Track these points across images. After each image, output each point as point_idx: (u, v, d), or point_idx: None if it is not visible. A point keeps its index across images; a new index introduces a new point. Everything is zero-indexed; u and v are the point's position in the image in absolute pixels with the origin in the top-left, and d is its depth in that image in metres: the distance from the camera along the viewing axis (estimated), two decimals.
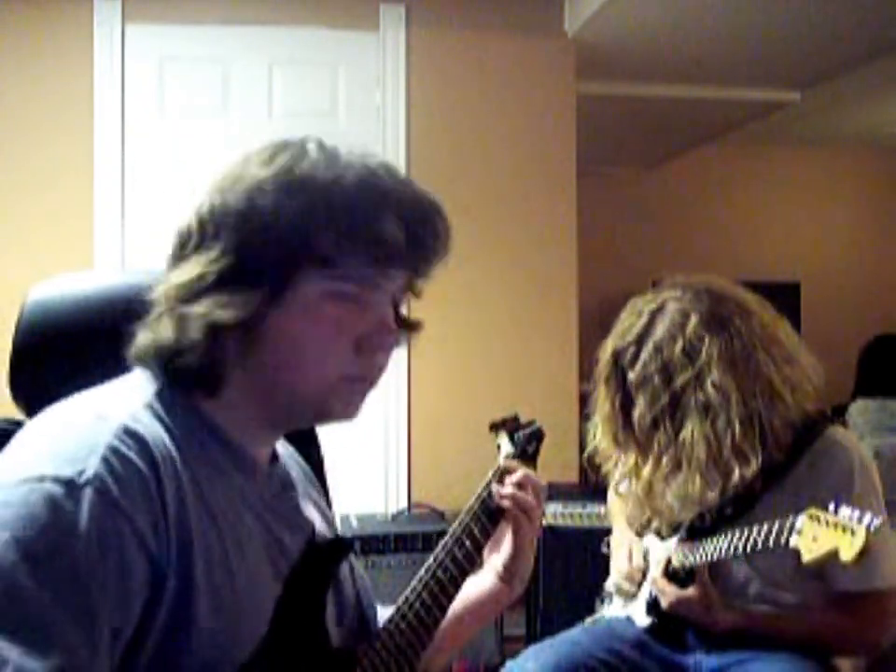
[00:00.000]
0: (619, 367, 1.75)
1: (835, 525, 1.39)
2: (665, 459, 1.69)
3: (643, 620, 1.80)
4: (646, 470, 1.74)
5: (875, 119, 5.32)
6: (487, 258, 3.50)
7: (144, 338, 0.86)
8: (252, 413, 0.89)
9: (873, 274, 6.22)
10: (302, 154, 0.87)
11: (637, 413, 1.71)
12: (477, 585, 1.16)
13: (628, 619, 1.85)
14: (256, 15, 3.41)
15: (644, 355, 1.69)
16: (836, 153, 6.24)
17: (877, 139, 5.88)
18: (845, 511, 1.39)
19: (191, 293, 0.83)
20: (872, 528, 1.34)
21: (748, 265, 5.81)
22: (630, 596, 1.88)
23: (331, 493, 1.25)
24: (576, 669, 1.69)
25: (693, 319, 1.67)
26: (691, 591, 1.68)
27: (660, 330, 1.69)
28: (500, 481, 1.16)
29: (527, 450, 1.33)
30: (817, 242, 6.25)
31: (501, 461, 1.27)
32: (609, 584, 1.96)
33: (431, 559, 1.08)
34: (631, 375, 1.72)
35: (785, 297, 5.92)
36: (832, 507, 1.42)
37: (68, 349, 1.04)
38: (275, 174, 0.85)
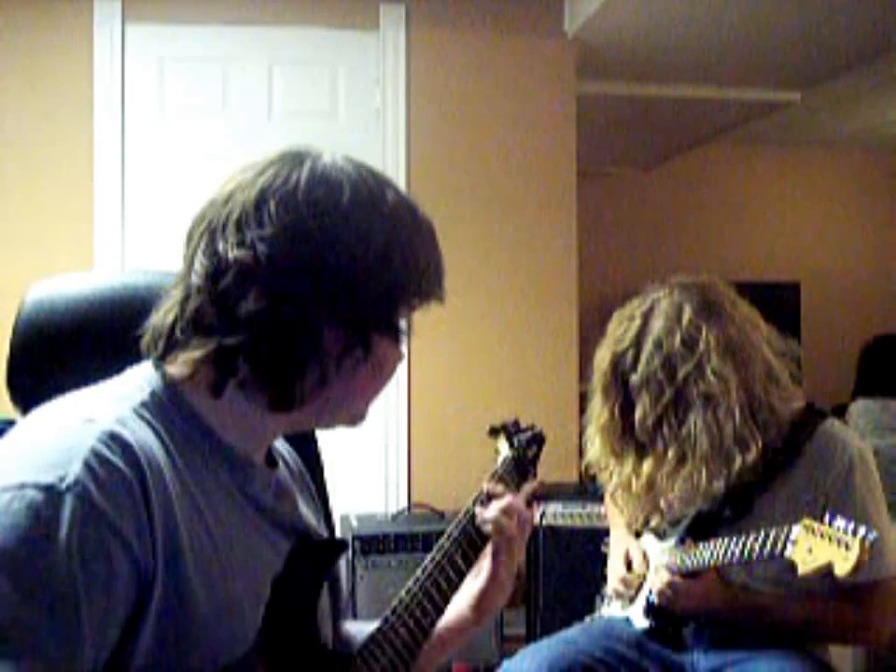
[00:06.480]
0: (618, 373, 1.74)
1: (830, 538, 1.37)
2: (669, 454, 1.69)
3: (641, 622, 1.80)
4: (647, 468, 1.73)
5: (875, 119, 5.32)
6: (487, 258, 3.50)
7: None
8: (253, 418, 0.88)
9: (873, 274, 6.22)
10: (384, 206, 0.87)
11: (638, 415, 1.71)
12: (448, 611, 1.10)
13: (627, 619, 1.85)
14: (256, 15, 3.41)
15: (644, 354, 1.69)
16: (836, 153, 6.24)
17: (877, 139, 5.88)
18: (839, 522, 1.38)
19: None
20: (867, 543, 1.33)
21: (748, 265, 5.82)
22: (629, 600, 1.88)
23: (331, 493, 1.25)
24: (572, 668, 1.69)
25: (688, 310, 1.68)
26: (693, 582, 1.68)
27: (656, 327, 1.69)
28: (484, 504, 1.12)
29: (527, 454, 1.32)
30: (817, 242, 6.24)
31: (499, 464, 1.26)
32: (609, 590, 1.96)
33: (412, 583, 1.05)
34: (633, 378, 1.71)
35: (785, 297, 5.97)
36: (827, 517, 1.41)
37: (66, 349, 1.04)
38: (383, 239, 0.86)
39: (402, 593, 1.04)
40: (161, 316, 0.87)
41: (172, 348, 0.86)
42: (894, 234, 6.35)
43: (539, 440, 1.36)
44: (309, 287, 0.83)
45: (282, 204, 0.83)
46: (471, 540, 1.09)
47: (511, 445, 1.31)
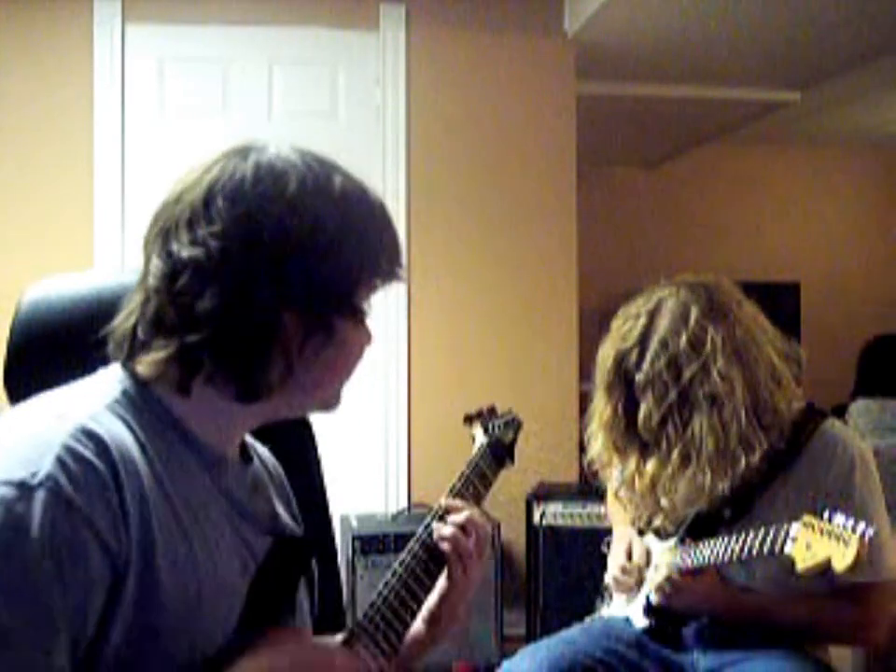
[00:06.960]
0: (622, 371, 1.74)
1: (829, 534, 1.38)
2: (673, 455, 1.68)
3: (641, 621, 1.80)
4: (650, 468, 1.72)
5: (875, 119, 5.32)
6: (487, 258, 3.50)
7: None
8: (225, 411, 0.89)
9: (873, 274, 6.22)
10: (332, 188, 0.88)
11: (642, 414, 1.70)
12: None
13: (626, 619, 1.85)
14: (256, 15, 3.41)
15: (650, 353, 1.69)
16: (836, 153, 6.23)
17: (877, 139, 5.88)
18: (839, 519, 1.38)
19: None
20: (865, 538, 1.34)
21: (747, 265, 5.81)
22: (628, 590, 1.88)
23: (331, 493, 1.25)
24: (572, 668, 1.69)
25: (694, 311, 1.67)
26: (693, 580, 1.68)
27: (662, 327, 1.69)
28: (443, 518, 1.09)
29: (503, 440, 1.31)
30: (817, 242, 6.24)
31: (474, 451, 1.26)
32: (608, 578, 1.96)
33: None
34: (638, 376, 1.70)
35: (785, 297, 5.97)
36: (826, 514, 1.42)
37: (63, 349, 1.04)
38: (340, 213, 0.87)
39: (368, 606, 1.01)
40: (124, 320, 0.89)
41: (137, 350, 0.87)
42: (894, 234, 6.35)
43: (515, 424, 1.35)
44: (263, 278, 0.84)
45: (229, 199, 0.85)
46: (432, 555, 1.07)
47: (486, 431, 1.31)
